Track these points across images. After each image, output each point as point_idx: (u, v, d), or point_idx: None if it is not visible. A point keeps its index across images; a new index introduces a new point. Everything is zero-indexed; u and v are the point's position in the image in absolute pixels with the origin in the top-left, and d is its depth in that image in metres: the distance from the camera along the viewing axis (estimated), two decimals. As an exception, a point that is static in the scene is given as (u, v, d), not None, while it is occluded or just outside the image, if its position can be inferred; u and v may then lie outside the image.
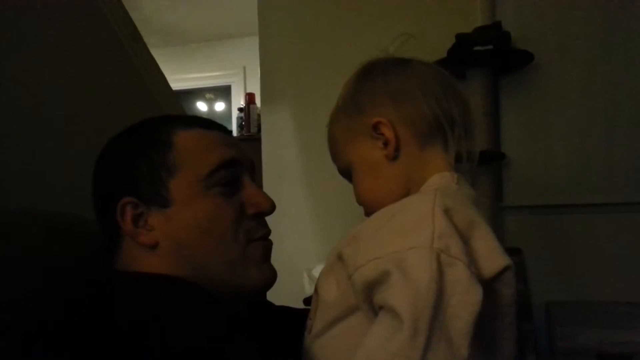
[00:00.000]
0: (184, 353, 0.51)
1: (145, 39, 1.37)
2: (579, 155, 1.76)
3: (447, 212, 0.54)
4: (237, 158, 0.68)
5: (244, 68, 4.27)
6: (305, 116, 2.07)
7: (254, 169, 0.73)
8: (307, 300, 1.53)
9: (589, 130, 1.75)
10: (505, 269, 0.55)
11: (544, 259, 1.75)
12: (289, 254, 1.79)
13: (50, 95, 1.05)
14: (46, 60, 1.05)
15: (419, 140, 0.64)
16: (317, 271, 1.75)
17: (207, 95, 4.72)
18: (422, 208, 0.55)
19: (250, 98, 3.56)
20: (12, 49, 0.97)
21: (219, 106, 4.69)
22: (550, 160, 1.79)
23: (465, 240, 0.53)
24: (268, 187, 2.09)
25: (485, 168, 1.72)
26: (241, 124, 3.67)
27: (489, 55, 1.69)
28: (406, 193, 0.64)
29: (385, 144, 0.64)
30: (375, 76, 0.67)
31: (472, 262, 0.51)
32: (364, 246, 0.56)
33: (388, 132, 0.63)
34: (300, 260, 1.88)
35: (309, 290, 1.73)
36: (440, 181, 0.62)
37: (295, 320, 0.72)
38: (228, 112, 4.46)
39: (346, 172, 0.70)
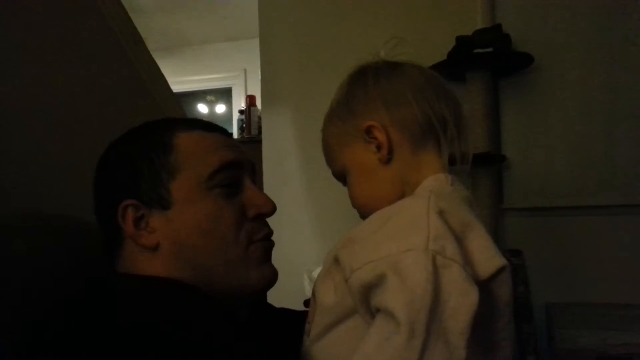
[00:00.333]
0: (183, 355, 0.51)
1: (146, 41, 1.38)
2: (579, 158, 1.76)
3: (441, 214, 0.54)
4: (238, 160, 0.68)
5: (245, 70, 4.27)
6: (306, 118, 2.07)
7: (255, 171, 0.74)
8: (308, 302, 1.52)
9: (589, 133, 1.75)
10: (501, 269, 0.55)
11: (544, 261, 1.75)
12: (290, 255, 1.78)
13: (51, 97, 1.05)
14: (46, 62, 1.05)
15: (412, 143, 0.64)
16: (317, 272, 1.75)
17: (208, 98, 4.72)
18: (417, 210, 0.56)
19: (251, 100, 3.57)
20: (12, 49, 0.98)
21: (220, 108, 4.70)
22: (551, 162, 1.79)
23: (460, 241, 0.53)
24: (269, 189, 2.09)
25: (485, 170, 1.72)
26: (242, 126, 3.67)
27: (489, 58, 1.69)
28: (400, 195, 0.64)
29: (378, 147, 0.64)
30: (367, 80, 0.67)
31: (467, 263, 0.51)
32: (360, 249, 0.56)
33: (380, 136, 0.64)
34: (300, 262, 1.88)
35: (309, 291, 1.72)
36: (434, 183, 0.62)
37: (295, 323, 0.72)
38: (229, 114, 4.46)
39: (340, 176, 0.70)
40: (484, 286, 0.53)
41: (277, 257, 0.71)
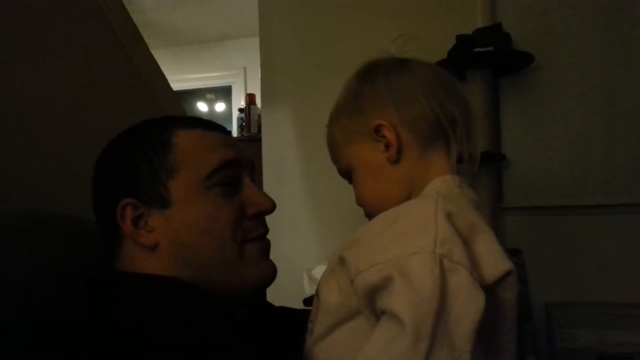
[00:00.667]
0: (183, 355, 0.51)
1: (146, 40, 1.38)
2: (579, 157, 1.76)
3: (449, 216, 0.54)
4: (237, 159, 0.68)
5: (245, 69, 4.27)
6: (306, 116, 2.07)
7: (254, 170, 0.73)
8: (307, 301, 1.53)
9: (589, 132, 1.75)
10: (508, 274, 0.54)
11: (544, 260, 1.75)
12: (289, 254, 1.79)
13: (51, 95, 1.05)
14: (46, 60, 1.05)
15: (421, 143, 0.63)
16: (317, 271, 1.75)
17: (208, 96, 4.72)
18: (424, 212, 0.55)
19: (250, 98, 3.57)
20: (13, 48, 0.97)
21: (220, 107, 4.69)
22: (550, 161, 1.79)
23: (467, 244, 0.53)
24: (268, 187, 2.09)
25: (485, 169, 1.72)
26: (242, 124, 3.67)
27: (489, 57, 1.69)
28: (408, 196, 0.63)
29: (387, 146, 0.63)
30: (377, 77, 0.66)
31: (474, 267, 0.51)
32: (366, 250, 0.56)
33: (390, 135, 0.63)
34: (300, 261, 1.88)
35: (308, 290, 1.73)
36: (442, 185, 0.62)
37: (295, 322, 0.72)
38: (229, 113, 4.46)
39: (346, 174, 0.69)
40: (490, 290, 0.52)
41: (276, 256, 0.71)
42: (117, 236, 0.65)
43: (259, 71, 2.22)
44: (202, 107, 4.75)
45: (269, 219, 0.71)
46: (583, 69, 1.75)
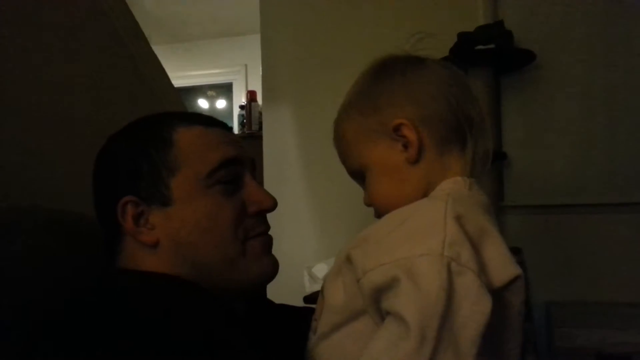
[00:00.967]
0: (183, 351, 0.51)
1: (147, 36, 1.37)
2: (580, 155, 1.76)
3: (458, 219, 0.53)
4: (238, 156, 0.68)
5: (246, 66, 4.26)
6: (307, 114, 2.06)
7: (255, 167, 0.73)
8: (307, 299, 1.53)
9: (590, 130, 1.75)
10: (516, 278, 0.54)
11: (544, 259, 1.75)
12: (290, 251, 1.79)
13: (51, 93, 1.05)
14: (46, 57, 1.05)
15: (439, 143, 0.61)
16: (317, 269, 1.75)
17: (209, 93, 4.71)
18: (433, 214, 0.54)
19: (251, 95, 3.57)
20: (12, 46, 0.97)
21: (221, 103, 4.69)
22: (551, 159, 1.79)
23: (476, 248, 0.52)
24: (269, 185, 2.08)
25: (486, 167, 1.72)
26: (242, 121, 3.67)
27: (491, 55, 1.68)
28: (423, 197, 0.61)
29: (406, 146, 0.61)
30: (394, 74, 0.64)
31: (482, 271, 0.50)
32: (374, 250, 0.55)
33: (411, 135, 0.61)
34: (300, 258, 1.88)
35: (309, 288, 1.73)
36: (453, 186, 0.60)
37: (295, 319, 0.72)
38: (229, 110, 4.46)
39: (357, 173, 0.67)
40: (498, 294, 0.52)
41: (277, 253, 0.71)
42: (118, 234, 0.65)
43: (260, 68, 2.22)
44: (203, 104, 4.74)
45: (269, 216, 0.71)
46: (584, 66, 1.75)
